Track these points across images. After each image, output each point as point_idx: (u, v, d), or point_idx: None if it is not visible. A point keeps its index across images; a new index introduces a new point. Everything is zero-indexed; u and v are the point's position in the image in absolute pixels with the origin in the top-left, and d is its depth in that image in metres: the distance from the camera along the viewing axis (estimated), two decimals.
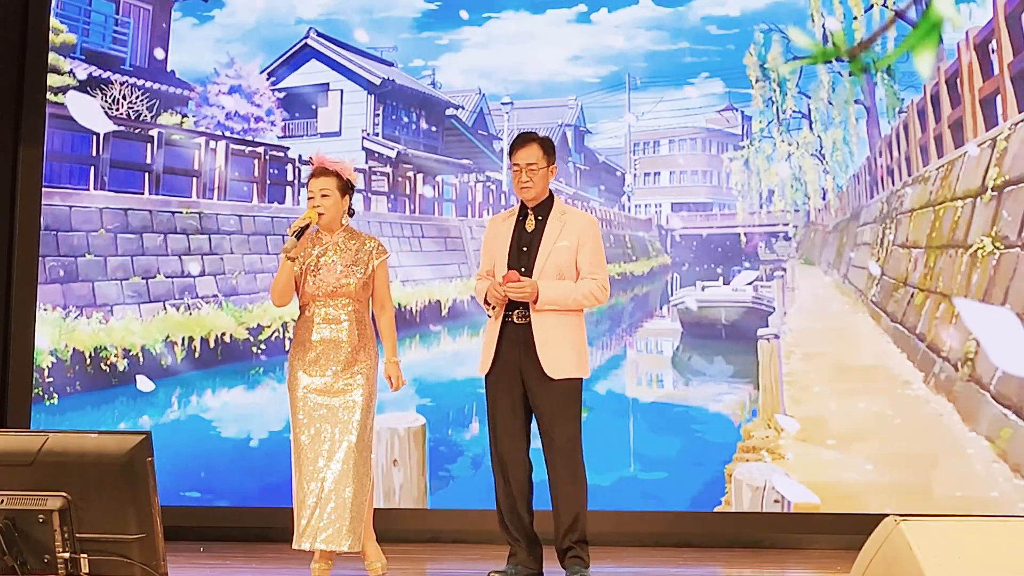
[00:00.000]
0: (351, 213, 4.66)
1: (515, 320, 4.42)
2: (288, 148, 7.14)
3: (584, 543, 4.46)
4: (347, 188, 4.59)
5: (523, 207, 4.54)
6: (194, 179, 6.93)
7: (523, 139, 4.51)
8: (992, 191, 5.84)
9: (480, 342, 4.62)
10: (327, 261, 4.54)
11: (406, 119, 7.40)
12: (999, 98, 5.93)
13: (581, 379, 4.47)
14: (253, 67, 7.07)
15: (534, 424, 4.53)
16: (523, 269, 4.42)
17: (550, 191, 4.57)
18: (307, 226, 4.45)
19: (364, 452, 4.48)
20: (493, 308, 4.44)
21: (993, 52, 5.99)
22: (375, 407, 4.59)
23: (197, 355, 6.65)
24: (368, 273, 4.56)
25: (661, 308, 6.94)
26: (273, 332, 6.78)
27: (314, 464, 4.46)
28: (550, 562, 4.57)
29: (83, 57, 6.83)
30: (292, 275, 4.53)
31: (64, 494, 2.88)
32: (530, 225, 4.50)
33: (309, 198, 4.55)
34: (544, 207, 4.52)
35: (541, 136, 4.55)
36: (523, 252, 4.46)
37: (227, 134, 7.02)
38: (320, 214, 4.51)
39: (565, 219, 4.50)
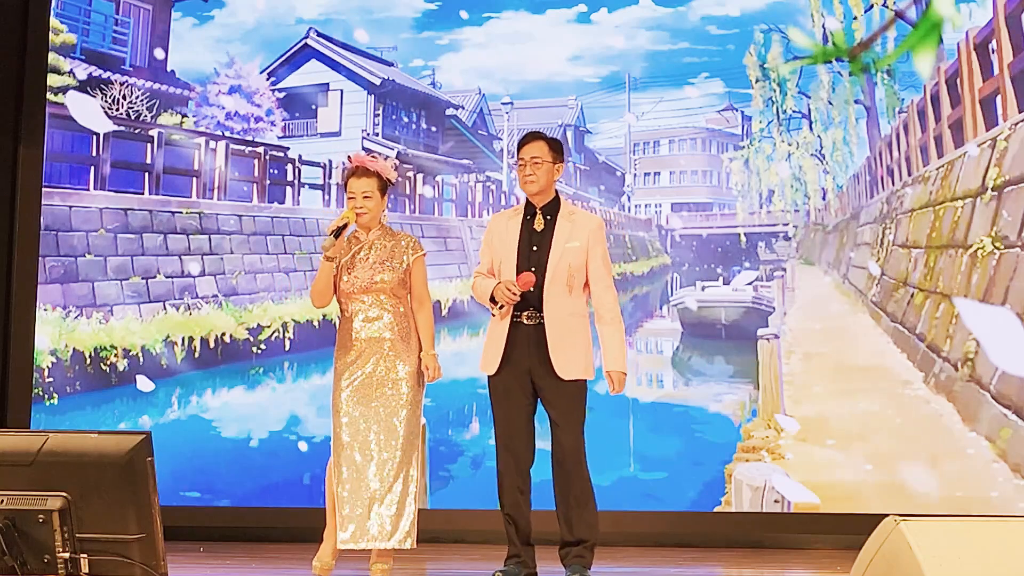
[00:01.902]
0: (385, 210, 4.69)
1: (525, 320, 4.42)
2: (288, 148, 7.14)
3: (592, 544, 4.45)
4: (386, 188, 4.59)
5: (529, 206, 4.53)
6: (194, 179, 6.93)
7: (530, 136, 4.54)
8: (992, 191, 5.84)
9: (481, 340, 4.61)
10: (362, 258, 4.54)
11: (406, 119, 7.40)
12: (999, 98, 5.93)
13: (585, 380, 4.48)
14: (253, 67, 7.07)
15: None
16: (533, 268, 4.41)
17: (556, 192, 4.57)
18: (345, 226, 4.44)
19: (410, 450, 4.47)
20: (500, 308, 4.41)
21: (993, 52, 5.99)
22: (421, 402, 4.58)
23: (197, 355, 6.65)
24: (404, 269, 4.56)
25: (661, 308, 6.94)
26: (273, 332, 6.78)
27: (360, 464, 4.44)
28: (552, 562, 4.56)
29: (83, 57, 6.83)
30: (331, 276, 4.52)
31: (64, 494, 2.88)
32: (539, 224, 4.49)
33: (350, 198, 4.53)
34: (552, 207, 4.52)
35: (549, 136, 4.57)
36: (533, 252, 4.45)
37: (227, 134, 7.02)
38: (361, 214, 4.51)
39: (574, 219, 4.50)
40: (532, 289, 4.38)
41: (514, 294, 4.34)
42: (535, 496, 4.54)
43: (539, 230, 4.48)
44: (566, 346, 4.38)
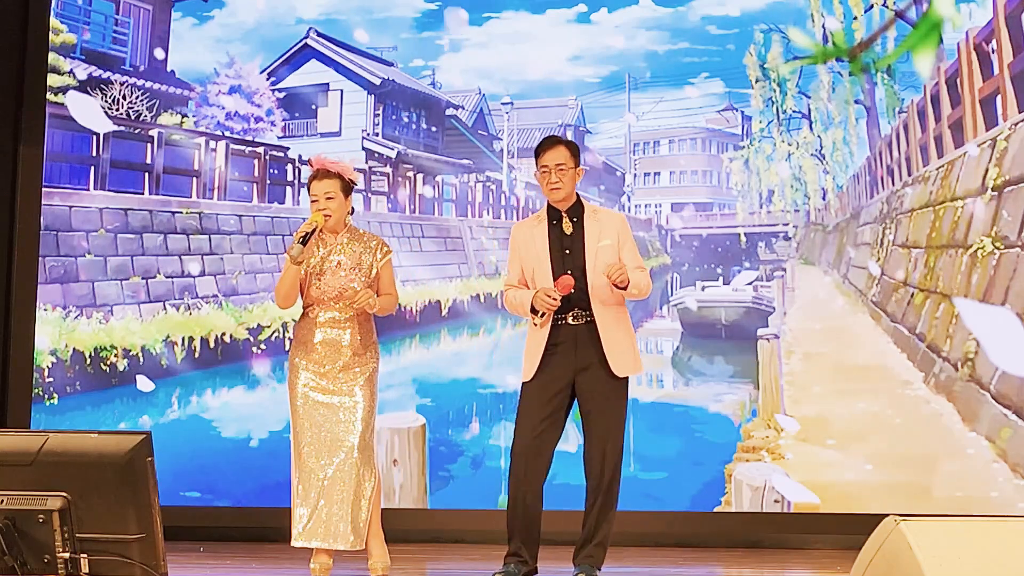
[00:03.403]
0: (351, 211, 4.65)
1: (570, 320, 4.39)
2: (288, 148, 7.14)
3: (603, 542, 4.45)
4: (349, 189, 4.57)
5: (553, 211, 4.51)
6: (194, 179, 6.93)
7: (550, 141, 4.49)
8: (992, 191, 5.84)
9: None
10: (331, 265, 4.53)
11: (406, 119, 7.40)
12: (999, 98, 5.93)
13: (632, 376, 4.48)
14: (253, 67, 7.07)
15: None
16: (569, 271, 4.39)
17: (577, 193, 4.56)
18: (313, 231, 4.42)
19: (366, 451, 4.49)
20: (541, 316, 4.36)
21: (993, 52, 5.99)
22: (376, 407, 4.59)
23: (197, 355, 6.65)
24: (372, 275, 4.56)
25: (661, 308, 6.94)
26: (273, 332, 6.78)
27: (315, 463, 4.46)
28: (552, 562, 4.56)
29: (83, 57, 6.83)
30: (298, 279, 4.51)
31: (64, 494, 2.88)
32: (568, 228, 4.47)
33: (313, 201, 4.51)
34: (576, 209, 4.51)
35: (566, 139, 4.56)
36: (567, 255, 4.43)
37: (227, 134, 7.02)
38: (327, 217, 4.49)
39: (600, 219, 4.50)
40: (573, 291, 4.36)
41: (555, 300, 4.31)
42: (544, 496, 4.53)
43: (569, 233, 4.47)
44: (618, 343, 4.38)
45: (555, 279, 4.35)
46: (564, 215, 4.49)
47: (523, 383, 4.46)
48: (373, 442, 4.56)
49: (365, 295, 4.44)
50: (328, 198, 4.49)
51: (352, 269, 4.52)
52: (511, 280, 4.57)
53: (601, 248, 4.42)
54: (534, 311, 4.36)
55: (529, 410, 4.43)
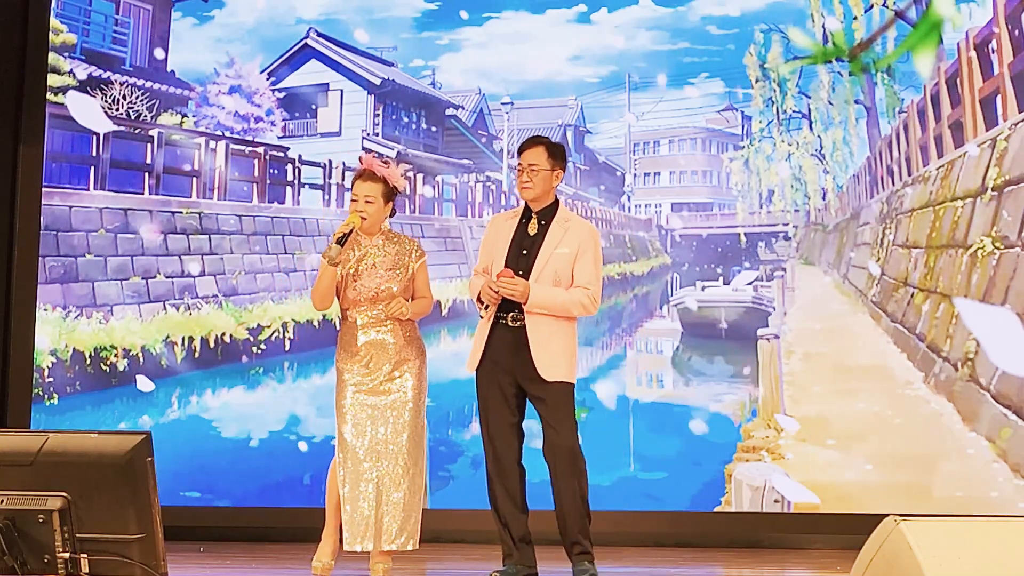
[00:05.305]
0: (392, 213, 4.63)
1: (508, 323, 4.42)
2: (288, 148, 7.14)
3: (589, 540, 4.46)
4: (391, 195, 4.55)
5: (527, 209, 4.53)
6: (194, 179, 6.93)
7: (531, 140, 4.51)
8: (992, 191, 5.84)
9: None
10: (367, 266, 4.52)
11: (406, 119, 7.40)
12: (999, 98, 5.93)
13: (571, 383, 4.47)
14: (253, 67, 7.07)
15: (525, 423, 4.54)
16: (520, 272, 4.41)
17: (556, 197, 4.55)
18: (350, 232, 4.41)
19: (416, 451, 4.48)
20: (486, 307, 4.43)
21: (993, 52, 5.99)
22: (425, 404, 4.58)
23: (197, 355, 6.65)
24: (408, 276, 4.55)
25: (661, 308, 6.94)
26: (273, 332, 6.78)
27: (366, 466, 4.43)
28: (552, 562, 4.56)
29: (83, 57, 6.83)
30: (334, 280, 4.50)
31: (64, 494, 2.88)
32: (532, 229, 4.49)
33: (352, 200, 4.52)
34: (548, 212, 4.51)
35: (552, 141, 4.54)
36: (523, 255, 4.45)
37: (227, 134, 7.02)
38: (363, 219, 4.48)
39: (568, 226, 4.48)
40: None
41: (496, 292, 4.33)
42: (534, 496, 4.54)
43: (531, 234, 4.48)
44: (548, 347, 4.37)
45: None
46: (534, 215, 4.50)
47: (475, 372, 4.50)
48: (423, 442, 4.55)
49: (397, 305, 4.46)
50: (368, 201, 4.48)
51: (388, 270, 4.52)
52: (478, 267, 4.62)
53: (556, 255, 4.42)
54: (481, 301, 4.42)
55: (491, 422, 4.47)
